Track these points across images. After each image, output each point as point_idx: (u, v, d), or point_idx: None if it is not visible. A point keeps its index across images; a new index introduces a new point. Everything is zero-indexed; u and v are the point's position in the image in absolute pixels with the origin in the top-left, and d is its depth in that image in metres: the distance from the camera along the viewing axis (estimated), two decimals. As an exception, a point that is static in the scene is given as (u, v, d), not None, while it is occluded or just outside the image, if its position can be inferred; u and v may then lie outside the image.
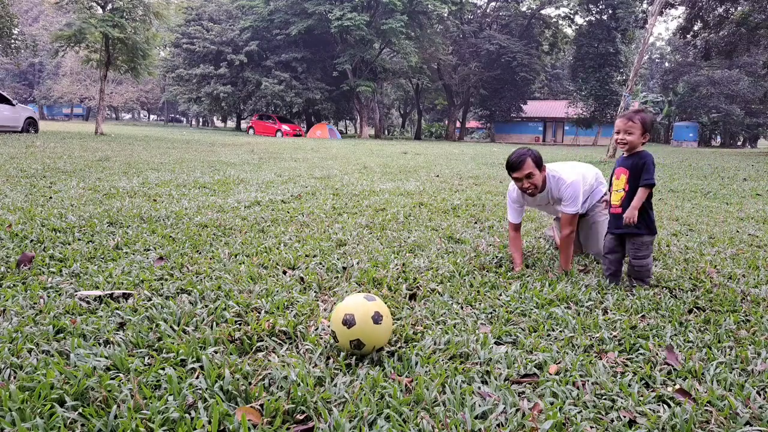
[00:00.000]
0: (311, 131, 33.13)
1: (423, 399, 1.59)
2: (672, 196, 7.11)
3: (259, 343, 1.95)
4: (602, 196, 3.44)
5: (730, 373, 1.82)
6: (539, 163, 3.07)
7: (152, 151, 11.75)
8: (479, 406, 1.57)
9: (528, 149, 3.08)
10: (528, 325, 2.22)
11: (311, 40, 34.63)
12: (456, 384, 1.67)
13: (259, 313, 2.24)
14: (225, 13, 37.91)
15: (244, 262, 2.97)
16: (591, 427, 1.50)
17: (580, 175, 3.24)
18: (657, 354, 1.96)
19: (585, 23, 39.15)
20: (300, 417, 1.50)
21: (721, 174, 11.14)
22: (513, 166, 3.06)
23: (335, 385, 1.65)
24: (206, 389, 1.59)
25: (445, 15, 32.80)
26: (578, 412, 1.56)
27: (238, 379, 1.63)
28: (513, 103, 41.64)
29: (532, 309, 2.40)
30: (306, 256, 3.19)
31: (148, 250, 3.17)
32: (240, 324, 2.11)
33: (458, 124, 46.29)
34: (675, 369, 1.86)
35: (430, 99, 48.43)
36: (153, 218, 4.06)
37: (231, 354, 1.84)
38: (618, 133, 2.78)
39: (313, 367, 1.78)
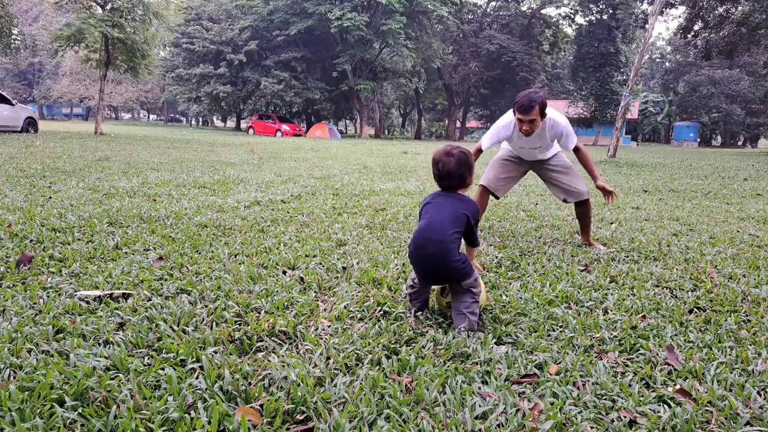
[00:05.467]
0: (311, 131, 33.11)
1: (423, 399, 1.58)
2: (672, 196, 7.11)
3: (259, 344, 1.94)
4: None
5: (731, 373, 1.82)
6: (543, 112, 3.33)
7: (152, 150, 11.75)
8: (479, 406, 1.57)
9: (539, 95, 3.32)
10: (528, 325, 2.22)
11: (311, 39, 34.61)
12: (456, 384, 1.67)
13: (259, 313, 2.24)
14: (224, 12, 37.87)
15: (243, 262, 2.97)
16: (591, 428, 1.50)
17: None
18: (657, 354, 1.96)
19: (585, 23, 39.17)
20: (300, 417, 1.50)
21: (722, 174, 11.14)
22: (522, 108, 3.27)
23: (335, 386, 1.64)
24: (206, 389, 1.59)
25: (445, 15, 32.78)
26: (578, 413, 1.56)
27: (237, 380, 1.63)
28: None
29: (532, 309, 2.40)
30: (306, 256, 3.19)
31: (148, 250, 3.17)
32: (240, 324, 2.11)
33: (458, 124, 46.28)
34: (675, 369, 1.86)
35: (430, 99, 48.44)
36: (153, 218, 4.06)
37: (231, 354, 1.84)
38: None
39: (313, 368, 1.77)
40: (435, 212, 2.17)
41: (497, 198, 4.04)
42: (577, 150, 3.71)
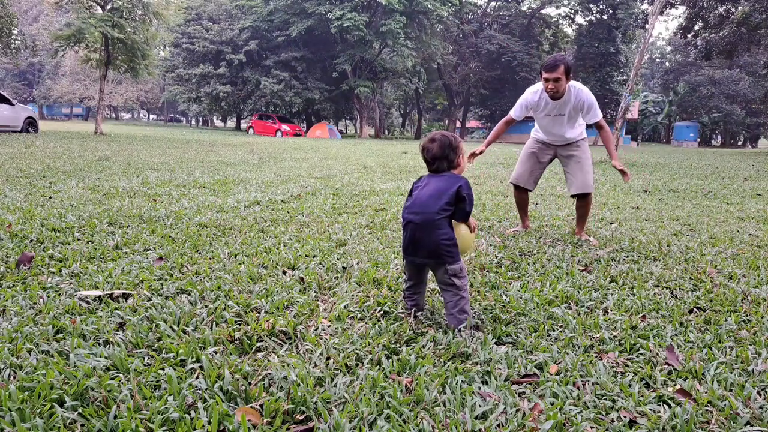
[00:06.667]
0: (311, 131, 33.10)
1: (423, 399, 1.58)
2: (672, 196, 7.11)
3: (259, 343, 1.94)
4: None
5: (731, 373, 1.82)
6: (569, 74, 3.61)
7: (152, 150, 11.75)
8: (479, 406, 1.57)
9: (565, 58, 3.63)
10: (528, 325, 2.22)
11: (311, 39, 34.60)
12: (456, 384, 1.67)
13: (259, 313, 2.24)
14: (225, 12, 37.86)
15: (243, 262, 2.97)
16: (591, 428, 1.50)
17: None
18: (657, 354, 1.96)
19: (585, 23, 39.19)
20: (300, 417, 1.50)
21: (722, 174, 11.14)
22: (548, 66, 3.58)
23: (335, 386, 1.64)
24: (206, 389, 1.59)
25: (445, 15, 32.77)
26: (578, 413, 1.56)
27: (237, 380, 1.63)
28: (513, 102, 41.64)
29: (532, 309, 2.40)
30: (306, 256, 3.19)
31: (148, 250, 3.17)
32: (240, 324, 2.11)
33: (458, 124, 46.25)
34: (675, 369, 1.86)
35: (430, 99, 48.44)
36: (153, 218, 4.06)
37: (231, 354, 1.84)
38: None
39: (313, 368, 1.77)
40: (424, 188, 2.25)
41: (530, 190, 4.25)
42: (600, 127, 3.88)
